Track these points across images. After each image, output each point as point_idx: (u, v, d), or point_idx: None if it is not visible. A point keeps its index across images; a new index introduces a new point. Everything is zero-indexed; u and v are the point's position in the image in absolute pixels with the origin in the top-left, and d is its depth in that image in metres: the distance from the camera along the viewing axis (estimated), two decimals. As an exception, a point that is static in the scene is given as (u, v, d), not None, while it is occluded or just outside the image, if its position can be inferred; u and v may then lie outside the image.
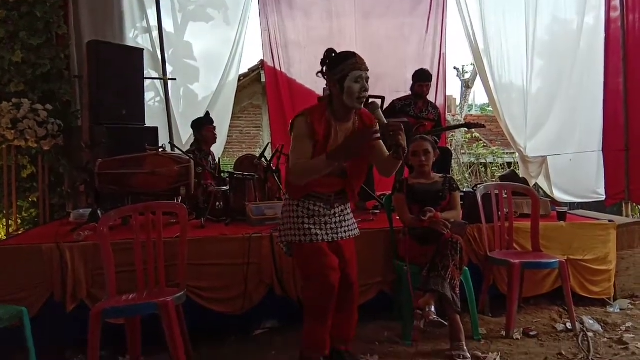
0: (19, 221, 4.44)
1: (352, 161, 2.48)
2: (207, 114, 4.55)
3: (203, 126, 4.42)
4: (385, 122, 2.40)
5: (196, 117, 4.58)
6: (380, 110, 2.44)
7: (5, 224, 4.38)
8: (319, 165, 2.34)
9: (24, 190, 4.45)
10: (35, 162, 4.40)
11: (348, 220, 2.59)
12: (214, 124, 4.49)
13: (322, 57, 2.47)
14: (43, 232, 3.51)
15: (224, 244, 3.10)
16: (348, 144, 2.34)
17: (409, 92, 4.68)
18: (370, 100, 2.49)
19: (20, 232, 4.16)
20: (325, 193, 2.49)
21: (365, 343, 2.93)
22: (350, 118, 2.49)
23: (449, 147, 7.20)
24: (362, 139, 2.35)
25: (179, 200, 3.49)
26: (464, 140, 10.43)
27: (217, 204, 3.69)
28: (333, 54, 2.44)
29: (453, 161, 6.16)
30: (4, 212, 4.37)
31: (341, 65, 2.38)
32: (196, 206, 3.65)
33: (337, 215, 2.54)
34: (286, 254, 2.60)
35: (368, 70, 2.40)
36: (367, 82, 2.39)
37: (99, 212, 3.37)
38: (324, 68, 2.46)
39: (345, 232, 2.55)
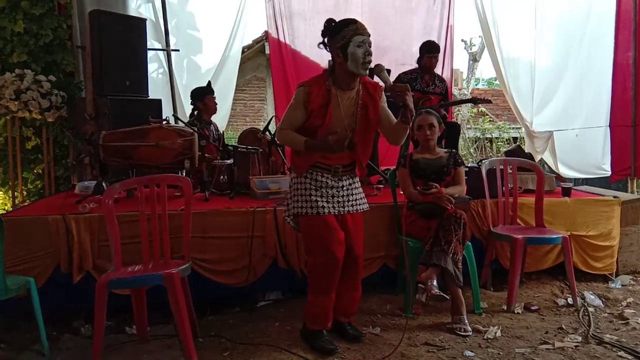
0: (25, 193, 4.47)
1: (359, 133, 2.49)
2: (209, 83, 4.52)
3: (206, 95, 4.39)
4: (391, 84, 2.39)
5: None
6: (385, 72, 2.44)
7: (11, 195, 4.40)
8: (296, 144, 2.45)
9: (29, 162, 4.46)
10: (40, 134, 4.39)
11: (356, 194, 2.60)
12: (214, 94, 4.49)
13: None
14: (48, 203, 3.53)
15: (228, 217, 3.11)
16: (324, 147, 2.39)
17: (415, 65, 4.62)
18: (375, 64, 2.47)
19: (26, 204, 4.19)
20: (333, 165, 2.50)
21: (367, 315, 2.97)
22: (354, 86, 2.47)
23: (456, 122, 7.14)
24: (336, 147, 2.37)
25: (183, 174, 3.50)
26: (470, 115, 10.33)
27: (221, 177, 3.70)
28: (333, 23, 2.42)
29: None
30: (10, 183, 4.39)
31: (342, 32, 2.37)
32: (200, 179, 3.65)
33: (344, 188, 2.55)
34: (293, 229, 2.60)
35: (370, 35, 2.39)
36: (369, 46, 2.37)
37: (103, 184, 3.38)
38: (326, 38, 2.44)
39: (352, 205, 2.56)
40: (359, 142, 2.52)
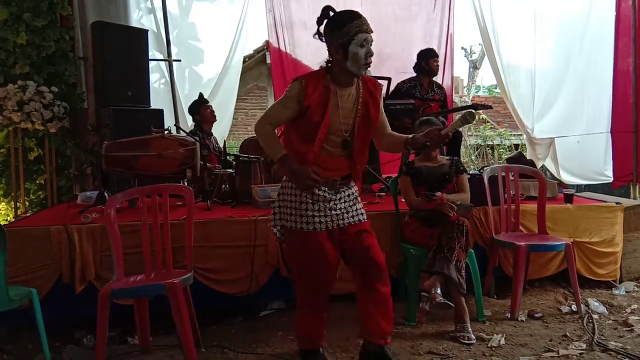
0: (27, 203, 4.47)
1: (358, 133, 2.33)
2: (200, 94, 4.58)
3: (200, 107, 4.45)
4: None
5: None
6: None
7: (13, 206, 4.41)
8: (273, 150, 2.26)
9: (31, 173, 4.47)
10: (42, 145, 4.41)
11: (353, 205, 2.40)
12: (209, 103, 4.54)
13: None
14: (51, 214, 3.54)
15: (230, 226, 3.11)
16: (296, 175, 2.22)
17: (414, 73, 4.64)
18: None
19: (28, 214, 4.19)
20: (331, 178, 2.30)
21: (370, 324, 2.95)
22: (353, 83, 2.31)
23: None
24: (306, 185, 2.22)
25: (185, 183, 3.50)
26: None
27: (223, 186, 3.70)
28: (333, 13, 2.25)
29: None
30: (12, 194, 4.41)
31: (346, 27, 2.18)
32: (202, 189, 3.66)
33: (342, 200, 2.35)
34: (278, 239, 2.42)
35: (372, 32, 2.24)
36: (371, 44, 2.22)
37: (105, 194, 3.39)
38: (321, 28, 2.23)
39: (352, 217, 2.37)
40: (357, 143, 2.33)
